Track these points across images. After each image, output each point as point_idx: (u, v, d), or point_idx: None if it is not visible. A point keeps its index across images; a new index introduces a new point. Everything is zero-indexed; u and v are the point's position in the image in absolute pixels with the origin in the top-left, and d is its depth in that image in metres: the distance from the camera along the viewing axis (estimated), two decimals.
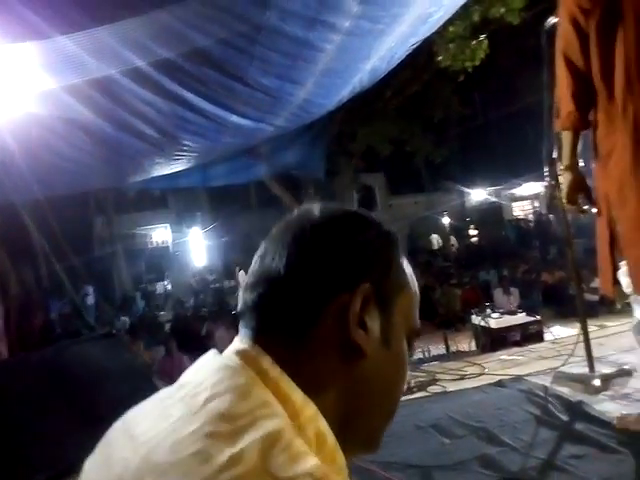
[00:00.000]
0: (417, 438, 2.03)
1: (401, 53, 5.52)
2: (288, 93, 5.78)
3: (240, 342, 0.50)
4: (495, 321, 3.42)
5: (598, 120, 1.71)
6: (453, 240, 19.48)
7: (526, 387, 2.37)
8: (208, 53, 3.93)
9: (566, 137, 1.79)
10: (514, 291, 9.12)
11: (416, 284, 0.56)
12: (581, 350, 2.40)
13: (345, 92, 6.23)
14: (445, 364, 3.12)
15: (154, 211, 16.79)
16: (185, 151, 5.88)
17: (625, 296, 1.79)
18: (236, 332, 0.53)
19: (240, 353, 0.48)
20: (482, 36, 7.16)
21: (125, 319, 10.13)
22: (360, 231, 0.52)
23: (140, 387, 2.41)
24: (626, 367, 2.36)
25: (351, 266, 0.49)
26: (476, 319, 3.67)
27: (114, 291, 14.13)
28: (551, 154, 2.07)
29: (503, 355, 3.07)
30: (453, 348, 3.54)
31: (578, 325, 2.76)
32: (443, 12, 5.06)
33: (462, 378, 2.73)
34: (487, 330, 3.42)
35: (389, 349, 0.50)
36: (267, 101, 6.02)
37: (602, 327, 3.23)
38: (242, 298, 0.52)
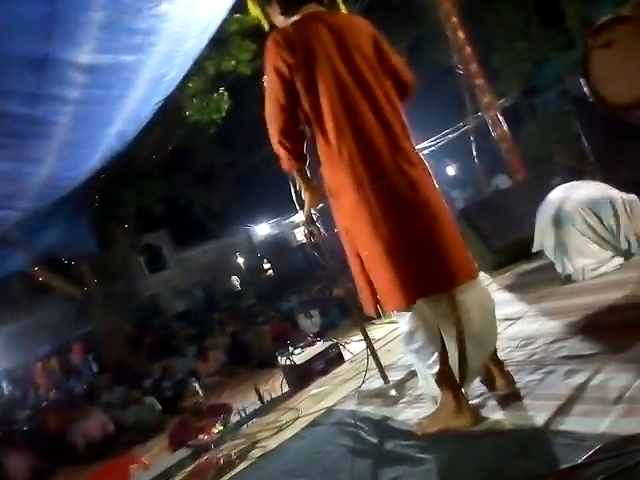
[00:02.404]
0: None
1: (146, 113, 5.44)
2: (27, 173, 5.21)
3: None
4: (298, 357, 3.50)
5: (321, 160, 1.90)
6: (250, 276, 19.80)
7: (337, 418, 2.45)
8: None
9: (294, 175, 2.02)
10: (314, 313, 9.64)
11: None
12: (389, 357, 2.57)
13: (95, 160, 5.87)
14: (263, 419, 3.07)
15: None
16: None
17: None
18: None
19: None
20: (221, 89, 7.52)
21: None
22: None
23: None
24: (413, 368, 2.58)
25: None
26: (282, 359, 3.70)
27: None
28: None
29: (313, 390, 3.16)
30: (268, 396, 3.48)
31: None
32: (177, 71, 5.13)
33: (281, 429, 2.70)
34: (293, 368, 3.47)
35: None
36: (3, 185, 5.33)
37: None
38: None
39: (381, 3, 10.63)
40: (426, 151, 13.12)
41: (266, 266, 21.21)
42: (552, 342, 2.29)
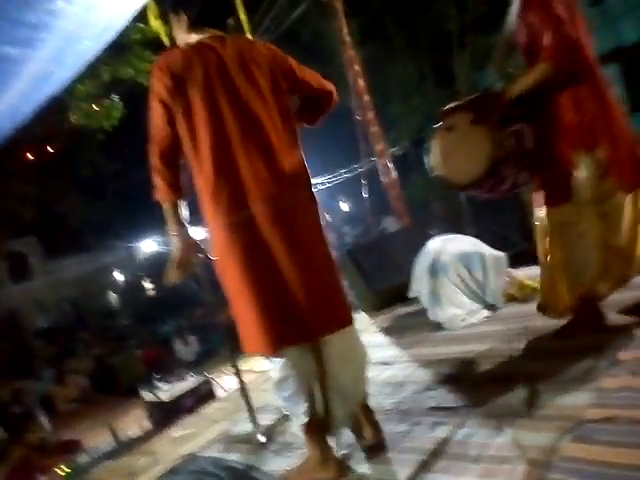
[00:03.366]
0: None
1: (26, 110, 4.99)
2: None
3: None
4: (165, 392, 3.25)
5: (203, 198, 1.79)
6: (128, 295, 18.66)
7: (198, 466, 2.27)
8: None
9: (166, 208, 1.86)
10: (192, 339, 9.24)
11: None
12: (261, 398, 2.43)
13: None
14: (115, 462, 2.78)
15: None
16: None
17: None
18: None
19: None
20: (115, 96, 7.14)
21: None
22: None
23: None
24: (285, 412, 2.49)
25: None
26: (146, 394, 3.42)
27: None
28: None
29: (178, 431, 2.93)
30: (129, 433, 3.18)
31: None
32: (66, 71, 4.78)
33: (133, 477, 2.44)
34: (158, 404, 3.21)
35: None
36: None
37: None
38: None
39: (291, 38, 10.86)
40: (323, 187, 13.43)
41: (148, 286, 20.11)
42: (421, 391, 2.34)
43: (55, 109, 6.69)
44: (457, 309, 3.27)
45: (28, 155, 9.52)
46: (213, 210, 1.78)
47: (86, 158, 11.03)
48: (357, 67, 7.47)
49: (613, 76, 10.62)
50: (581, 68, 2.15)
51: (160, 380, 3.46)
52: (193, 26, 1.88)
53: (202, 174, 1.78)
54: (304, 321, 1.74)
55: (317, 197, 1.94)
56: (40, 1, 3.37)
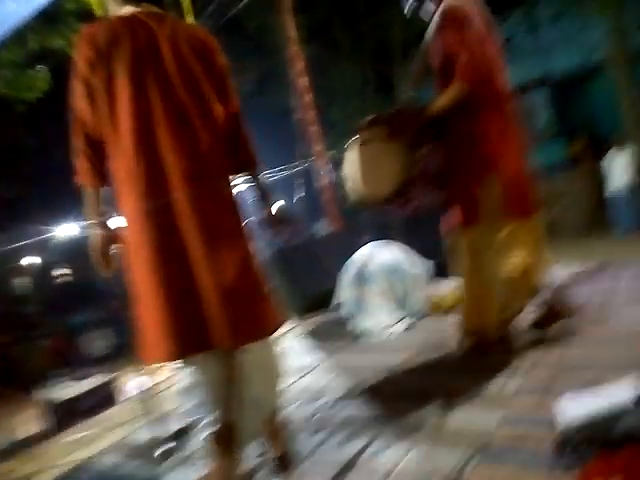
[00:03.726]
0: None
1: None
2: None
3: None
4: (65, 391, 3.00)
5: (119, 181, 1.65)
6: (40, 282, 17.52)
7: (92, 474, 2.09)
8: None
9: (88, 193, 1.71)
10: (105, 333, 8.73)
11: None
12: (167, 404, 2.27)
13: None
14: None
15: None
16: None
17: None
18: None
19: None
20: (40, 66, 6.64)
21: None
22: None
23: None
24: (191, 420, 2.34)
25: None
26: (46, 390, 3.15)
27: None
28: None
29: (75, 434, 2.69)
30: (21, 434, 2.90)
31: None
32: None
33: None
34: (56, 403, 2.96)
35: None
36: None
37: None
38: None
39: (236, 28, 10.59)
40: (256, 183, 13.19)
41: (63, 272, 18.95)
42: (337, 401, 2.30)
43: None
44: (379, 319, 3.27)
45: None
46: (128, 194, 1.63)
47: (3, 130, 10.21)
48: (300, 65, 7.38)
49: (543, 100, 11.27)
50: (489, 90, 2.24)
51: (64, 375, 3.20)
52: (126, 0, 1.73)
53: (120, 155, 1.62)
54: (217, 328, 1.61)
55: (240, 194, 1.84)
56: None
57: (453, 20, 2.21)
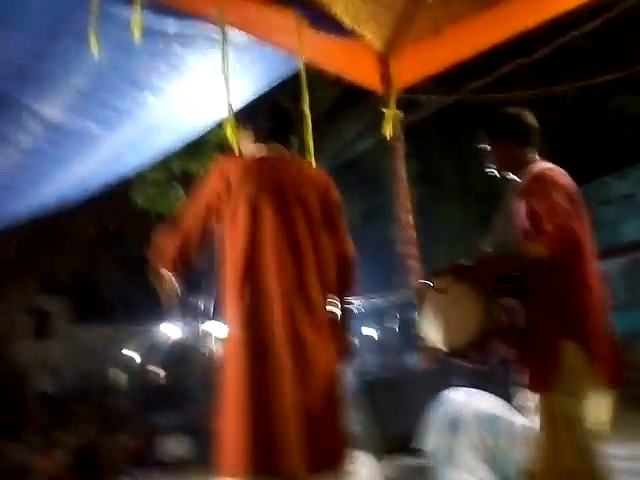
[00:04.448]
0: None
1: (96, 186, 5.30)
2: None
3: None
4: None
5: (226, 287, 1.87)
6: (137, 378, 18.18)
7: None
8: None
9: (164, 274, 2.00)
10: (184, 438, 8.74)
11: None
12: None
13: (22, 212, 5.55)
14: None
15: None
16: None
17: None
18: None
19: None
20: (180, 188, 7.56)
21: None
22: None
23: None
24: None
25: None
26: None
27: None
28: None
29: None
30: None
31: None
32: (141, 156, 5.14)
33: None
34: None
35: None
36: None
37: None
38: None
39: (351, 165, 11.52)
40: (355, 308, 13.31)
41: (158, 370, 19.65)
42: None
43: (120, 189, 7.12)
44: (469, 475, 3.00)
45: (85, 227, 9.96)
46: (232, 306, 1.79)
47: (139, 239, 11.42)
48: (407, 202, 7.71)
49: (614, 271, 10.59)
50: (574, 259, 2.14)
51: (136, 476, 3.23)
52: (258, 140, 2.08)
53: (229, 278, 1.82)
54: (293, 454, 1.63)
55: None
56: (130, 90, 3.68)
57: (543, 185, 2.17)
